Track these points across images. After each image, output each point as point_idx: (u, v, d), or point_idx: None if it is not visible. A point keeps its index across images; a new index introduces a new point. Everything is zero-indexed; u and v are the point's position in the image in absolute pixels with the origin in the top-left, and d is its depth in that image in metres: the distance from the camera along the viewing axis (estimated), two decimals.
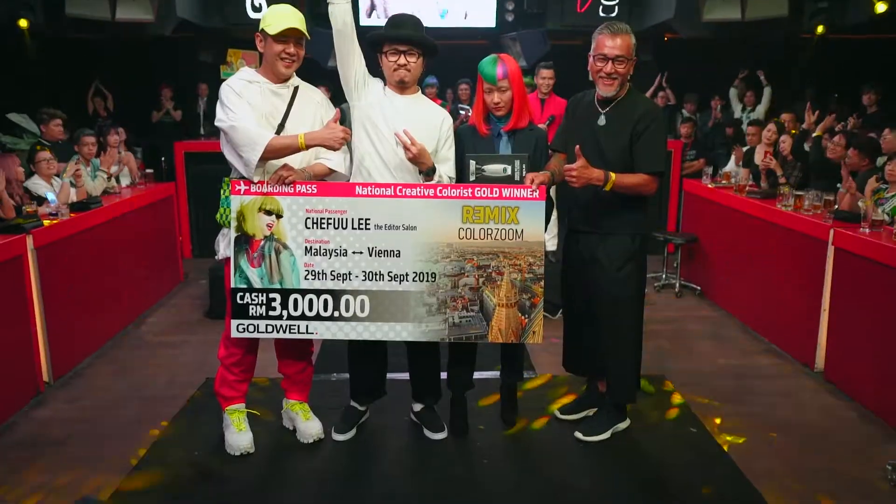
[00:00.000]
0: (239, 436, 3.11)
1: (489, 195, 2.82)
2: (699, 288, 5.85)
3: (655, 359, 4.26)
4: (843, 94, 8.34)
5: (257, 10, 8.01)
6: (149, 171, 6.03)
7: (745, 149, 6.37)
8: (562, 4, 8.41)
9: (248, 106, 2.81)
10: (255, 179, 2.82)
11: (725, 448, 3.24)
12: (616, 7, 8.34)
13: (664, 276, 6.08)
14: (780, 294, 4.59)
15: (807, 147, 5.86)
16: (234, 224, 2.82)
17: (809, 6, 6.96)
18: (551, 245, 3.22)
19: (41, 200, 4.46)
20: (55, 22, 6.69)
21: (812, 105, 6.16)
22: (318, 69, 6.42)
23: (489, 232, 2.83)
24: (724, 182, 5.86)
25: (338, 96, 3.21)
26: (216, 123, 2.82)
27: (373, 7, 8.34)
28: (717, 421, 3.51)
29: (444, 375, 3.31)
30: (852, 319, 3.85)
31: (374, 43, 2.95)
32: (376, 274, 2.86)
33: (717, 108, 8.43)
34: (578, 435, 3.27)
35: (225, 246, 2.94)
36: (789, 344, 4.48)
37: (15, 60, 8.10)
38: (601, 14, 8.26)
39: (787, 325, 4.51)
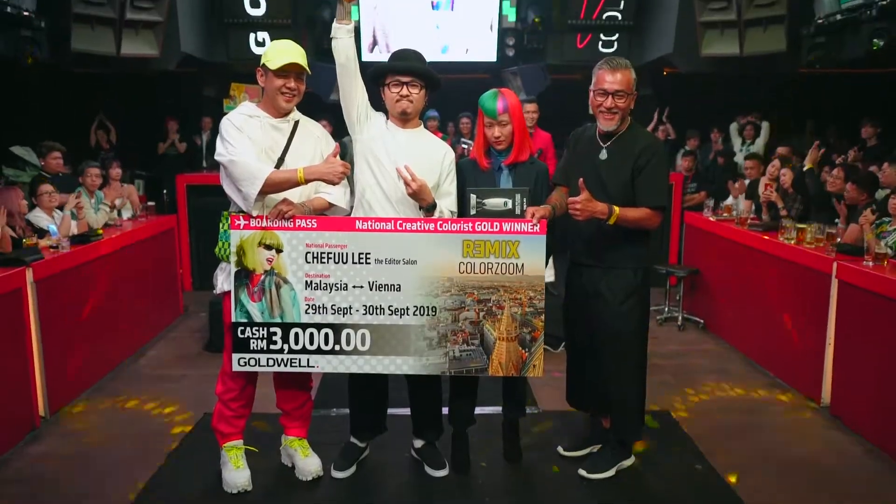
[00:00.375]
0: (236, 473, 3.06)
1: (489, 229, 2.81)
2: (702, 321, 5.81)
3: (659, 393, 4.21)
4: (842, 128, 8.40)
5: (260, 45, 8.13)
6: (150, 203, 6.06)
7: (746, 182, 6.39)
8: (561, 39, 8.52)
9: (248, 140, 2.81)
10: (255, 213, 2.82)
11: (732, 481, 3.19)
12: (615, 42, 8.44)
13: (667, 308, 6.05)
14: (785, 327, 4.55)
15: (807, 179, 5.86)
16: (233, 259, 2.81)
17: (807, 41, 7.04)
18: (549, 276, 3.19)
19: (42, 233, 4.46)
20: (60, 56, 6.76)
21: (813, 139, 6.18)
22: (319, 103, 6.49)
23: (490, 266, 2.82)
24: (725, 215, 5.87)
25: (339, 130, 3.23)
26: (216, 157, 2.83)
27: (375, 42, 8.45)
28: (723, 457, 3.45)
29: (445, 411, 3.27)
30: (858, 353, 3.81)
31: (376, 75, 2.98)
32: (377, 308, 2.84)
33: (718, 141, 8.47)
34: (582, 472, 3.21)
35: (223, 279, 2.92)
36: (795, 378, 4.43)
37: (19, 93, 8.19)
38: (601, 49, 8.36)
39: (793, 359, 4.46)
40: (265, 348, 2.86)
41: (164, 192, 7.31)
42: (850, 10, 6.28)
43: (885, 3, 5.75)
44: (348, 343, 2.86)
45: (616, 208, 2.85)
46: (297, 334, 2.86)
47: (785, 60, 7.31)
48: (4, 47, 6.20)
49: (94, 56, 6.88)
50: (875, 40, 6.02)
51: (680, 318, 5.85)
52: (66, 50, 6.64)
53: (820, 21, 6.76)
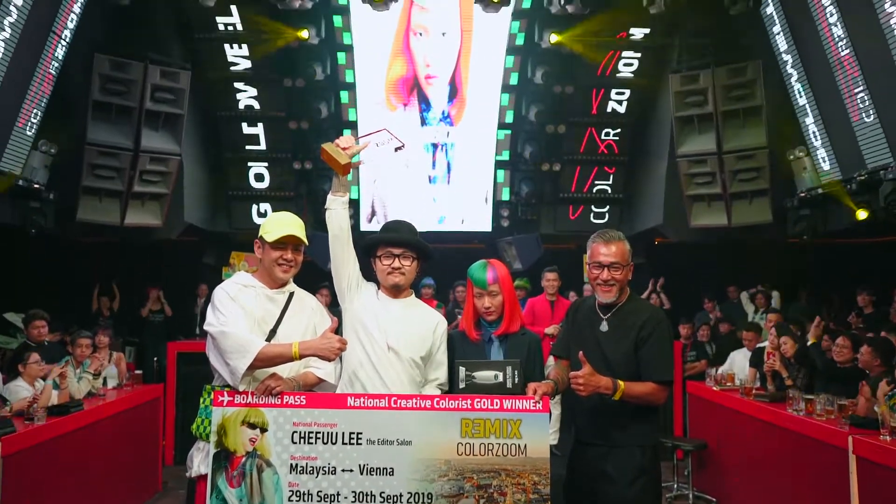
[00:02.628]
0: None
1: (489, 407, 2.65)
2: (715, 500, 5.45)
3: None
4: (833, 295, 8.45)
5: (262, 215, 8.38)
6: (137, 371, 5.89)
7: (736, 352, 6.28)
8: (554, 211, 8.82)
9: (242, 310, 2.74)
10: (241, 388, 2.67)
11: None
12: (606, 214, 8.74)
13: (676, 485, 5.69)
14: None
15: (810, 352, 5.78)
16: (213, 439, 2.63)
17: (792, 213, 7.27)
18: (553, 439, 2.99)
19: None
20: (65, 226, 6.92)
21: (810, 308, 6.17)
22: (319, 271, 6.53)
23: (490, 447, 2.63)
24: (729, 384, 5.71)
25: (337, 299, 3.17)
26: (205, 327, 2.74)
27: (373, 213, 8.73)
28: None
29: None
30: None
31: (368, 247, 2.97)
32: (367, 495, 2.60)
33: (715, 309, 8.46)
34: None
35: (199, 461, 2.72)
36: None
37: (23, 261, 8.28)
38: (592, 220, 8.65)
39: None
40: None
41: (155, 359, 7.16)
42: (831, 184, 6.54)
43: (863, 177, 5.99)
44: None
45: (621, 383, 2.73)
46: None
47: (773, 231, 7.50)
48: (12, 217, 6.37)
49: (98, 226, 7.04)
50: (858, 212, 6.21)
51: (691, 495, 5.49)
52: (71, 220, 6.81)
53: (802, 195, 7.02)
